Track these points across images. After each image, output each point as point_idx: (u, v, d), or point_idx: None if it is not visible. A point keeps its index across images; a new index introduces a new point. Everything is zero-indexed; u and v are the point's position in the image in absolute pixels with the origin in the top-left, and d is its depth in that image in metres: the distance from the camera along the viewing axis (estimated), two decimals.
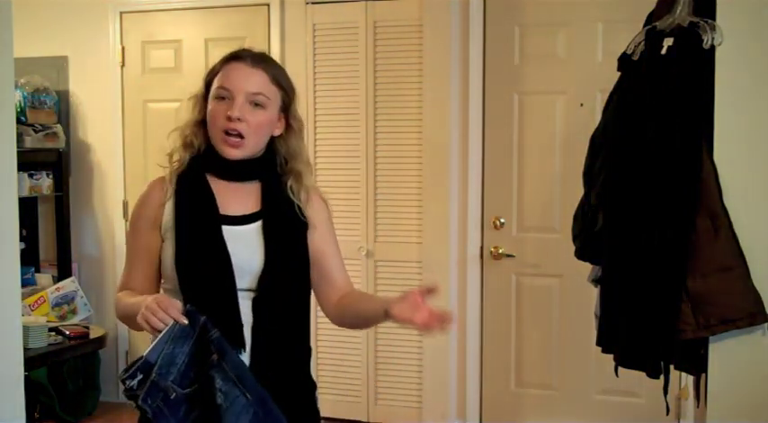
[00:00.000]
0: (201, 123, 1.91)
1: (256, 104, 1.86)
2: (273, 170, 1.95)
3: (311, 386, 1.97)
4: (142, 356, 1.67)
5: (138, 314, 1.69)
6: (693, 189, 2.22)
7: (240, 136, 1.84)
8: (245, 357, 1.81)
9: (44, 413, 4.37)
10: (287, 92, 1.93)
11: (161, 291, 1.92)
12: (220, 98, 1.86)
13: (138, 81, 4.69)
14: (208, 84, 1.91)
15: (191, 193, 1.89)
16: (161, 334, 1.66)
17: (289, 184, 1.94)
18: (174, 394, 1.66)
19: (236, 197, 1.91)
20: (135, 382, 1.65)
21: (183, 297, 1.80)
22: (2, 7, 2.07)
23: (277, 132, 1.93)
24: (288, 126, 1.95)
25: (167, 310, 1.67)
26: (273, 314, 1.85)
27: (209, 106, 1.88)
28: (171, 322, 1.67)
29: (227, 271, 1.82)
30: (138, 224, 1.94)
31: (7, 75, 2.10)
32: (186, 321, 1.68)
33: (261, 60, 1.91)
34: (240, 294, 1.83)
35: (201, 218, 1.86)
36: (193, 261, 1.83)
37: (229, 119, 1.83)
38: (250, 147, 1.87)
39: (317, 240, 1.95)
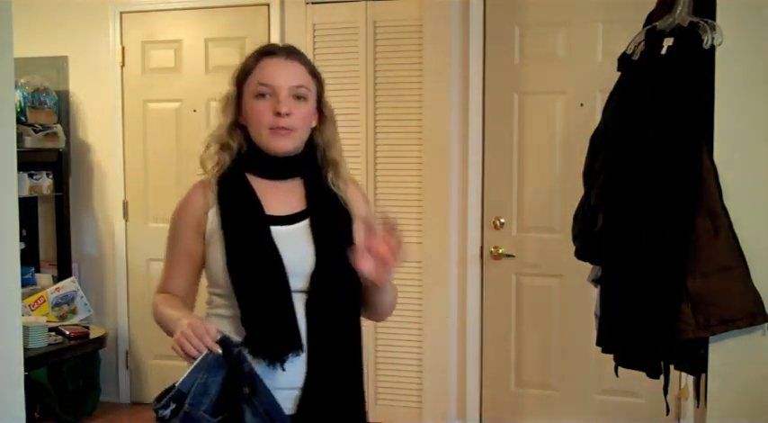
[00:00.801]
0: (235, 124, 1.89)
1: (299, 97, 1.85)
2: (314, 165, 1.93)
3: (363, 392, 1.93)
4: (174, 385, 1.64)
5: (173, 339, 1.67)
6: (693, 189, 2.22)
7: (287, 128, 1.82)
8: (302, 361, 1.78)
9: (44, 413, 4.37)
10: (320, 82, 1.93)
11: (210, 298, 1.90)
12: (260, 95, 1.84)
13: (138, 81, 4.68)
14: (239, 84, 1.89)
15: (235, 196, 1.86)
16: (195, 362, 1.64)
17: (329, 177, 1.92)
18: None
19: (279, 196, 1.88)
20: (168, 411, 1.62)
21: (236, 302, 1.78)
22: (2, 7, 2.06)
23: (313, 123, 1.92)
24: (321, 116, 1.94)
25: (202, 338, 1.64)
26: (327, 315, 1.81)
27: (249, 105, 1.85)
28: (205, 351, 1.64)
29: (280, 273, 1.79)
30: (178, 230, 1.91)
31: (7, 75, 2.09)
32: (220, 351, 1.65)
33: (294, 52, 1.91)
34: (293, 296, 1.79)
35: (250, 221, 1.83)
36: (246, 265, 1.79)
37: (278, 114, 1.81)
38: (297, 138, 1.86)
39: (359, 234, 1.91)
